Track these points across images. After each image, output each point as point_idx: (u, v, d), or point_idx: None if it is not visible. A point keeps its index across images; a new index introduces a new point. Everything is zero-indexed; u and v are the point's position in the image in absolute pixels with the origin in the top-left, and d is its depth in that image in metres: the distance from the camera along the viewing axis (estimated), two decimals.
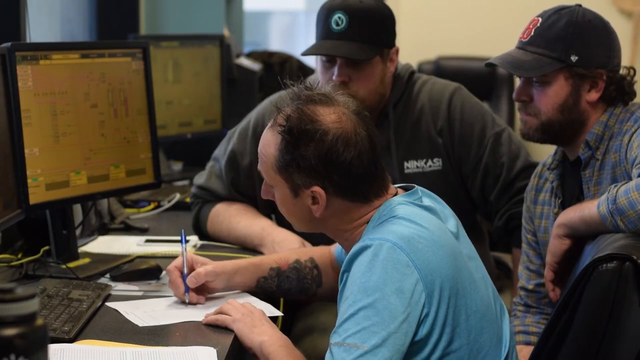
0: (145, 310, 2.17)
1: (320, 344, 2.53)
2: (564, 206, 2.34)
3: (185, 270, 2.23)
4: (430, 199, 2.01)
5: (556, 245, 2.17)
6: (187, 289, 2.22)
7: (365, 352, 1.76)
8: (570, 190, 2.35)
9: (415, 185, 2.01)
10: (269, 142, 1.97)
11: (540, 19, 2.31)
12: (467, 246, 1.99)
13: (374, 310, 1.78)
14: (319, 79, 2.66)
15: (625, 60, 2.53)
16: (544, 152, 2.60)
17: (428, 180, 2.61)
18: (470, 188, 2.74)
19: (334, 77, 2.60)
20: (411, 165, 2.71)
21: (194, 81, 3.93)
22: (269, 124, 1.99)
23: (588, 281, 1.88)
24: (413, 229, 1.87)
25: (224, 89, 4.01)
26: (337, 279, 1.97)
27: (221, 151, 2.87)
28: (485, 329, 1.90)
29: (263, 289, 2.29)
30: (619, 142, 2.22)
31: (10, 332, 1.25)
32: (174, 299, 2.26)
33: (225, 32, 4.62)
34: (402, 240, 1.83)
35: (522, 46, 2.32)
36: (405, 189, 2.01)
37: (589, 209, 2.07)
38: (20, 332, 1.26)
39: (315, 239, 2.49)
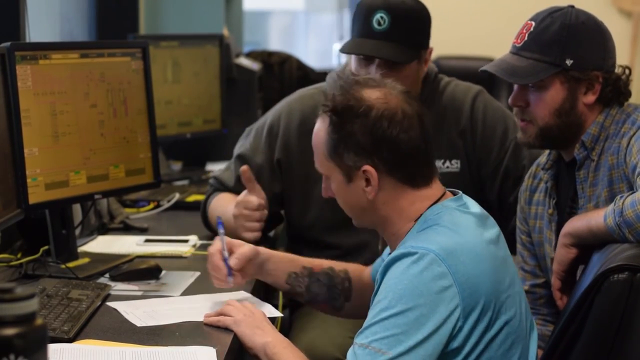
0: (145, 310, 2.17)
1: (319, 343, 2.53)
2: (558, 207, 2.33)
3: (226, 254, 2.21)
4: (476, 204, 1.99)
5: (563, 255, 2.16)
6: (230, 272, 2.20)
7: (390, 359, 1.74)
8: (565, 190, 2.34)
9: (460, 191, 1.99)
10: (319, 129, 1.98)
11: (533, 23, 2.30)
12: (503, 250, 1.96)
13: (405, 319, 1.76)
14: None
15: (624, 60, 2.53)
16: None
17: (444, 181, 2.62)
18: (488, 190, 2.74)
19: (371, 74, 2.58)
20: None
21: (194, 81, 3.93)
22: (320, 113, 1.98)
23: (598, 291, 1.86)
24: (457, 240, 1.84)
25: (223, 89, 4.01)
26: (368, 298, 1.94)
27: (237, 146, 2.88)
28: (514, 345, 1.88)
29: (292, 287, 2.27)
30: (616, 144, 2.21)
31: (9, 331, 1.25)
32: (174, 299, 2.25)
33: (225, 32, 4.62)
34: (445, 252, 1.80)
35: (516, 51, 2.31)
36: (453, 193, 1.99)
37: (595, 220, 2.06)
38: (20, 332, 1.26)
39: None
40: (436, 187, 1.96)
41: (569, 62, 2.24)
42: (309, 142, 2.76)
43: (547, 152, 2.42)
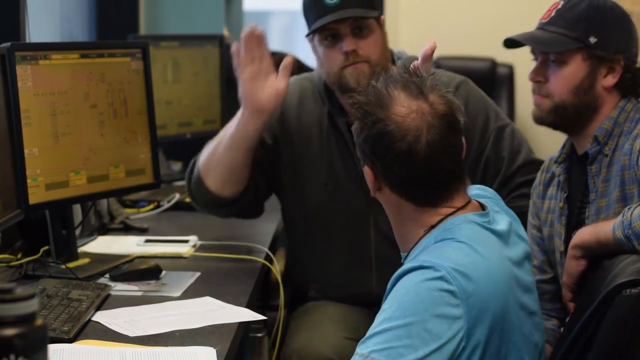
0: (125, 320, 2.13)
1: (314, 343, 2.53)
2: (569, 201, 2.33)
3: None
4: (504, 219, 1.93)
5: (573, 267, 2.15)
6: None
7: None
8: (576, 184, 2.33)
9: (489, 207, 1.93)
10: None
11: (561, 2, 2.31)
12: (527, 276, 1.92)
13: (407, 332, 1.71)
14: (323, 67, 2.65)
15: None
16: (547, 149, 2.59)
17: None
18: (471, 181, 2.74)
19: (343, 49, 2.60)
20: None
21: (194, 81, 3.93)
22: None
23: (610, 306, 1.84)
24: (471, 258, 1.79)
25: (223, 89, 4.01)
26: None
27: None
28: None
29: None
30: (629, 144, 2.20)
31: (9, 332, 1.25)
32: (150, 306, 2.22)
33: (225, 32, 4.62)
34: (457, 270, 1.75)
35: (542, 26, 2.31)
36: (482, 206, 1.93)
37: (604, 232, 2.05)
38: (20, 332, 1.26)
39: None
40: (448, 206, 1.88)
41: (592, 39, 2.24)
42: (307, 123, 2.75)
43: (558, 147, 2.42)
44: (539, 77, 2.30)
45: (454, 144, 1.87)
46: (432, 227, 1.87)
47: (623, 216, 2.00)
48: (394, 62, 2.74)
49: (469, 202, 1.91)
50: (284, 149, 2.75)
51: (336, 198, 2.69)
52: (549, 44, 2.26)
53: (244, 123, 2.61)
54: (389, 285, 1.83)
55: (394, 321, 1.72)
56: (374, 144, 1.86)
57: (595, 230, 2.09)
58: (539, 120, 2.33)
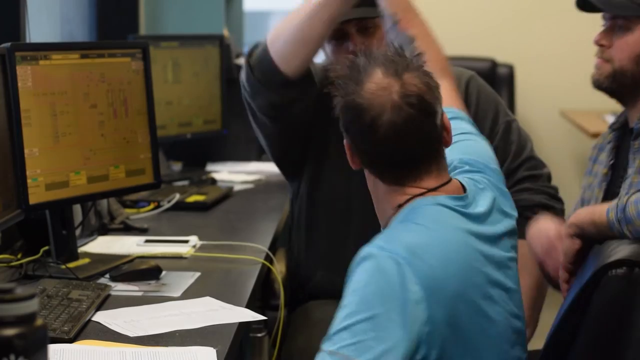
0: (125, 320, 2.13)
1: (316, 340, 2.53)
2: (614, 169, 2.34)
3: None
4: (487, 198, 1.94)
5: (568, 246, 2.17)
6: None
7: None
8: (624, 155, 2.35)
9: (470, 188, 1.93)
10: None
11: None
12: (504, 252, 1.92)
13: (372, 325, 1.71)
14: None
15: None
16: (547, 148, 2.60)
17: None
18: None
19: (350, 48, 2.60)
20: None
21: (194, 81, 3.93)
22: None
23: (597, 287, 1.86)
24: (425, 239, 1.80)
25: (223, 89, 4.01)
26: None
27: None
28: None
29: None
30: None
31: (10, 332, 1.25)
32: (151, 307, 2.22)
33: (225, 33, 4.62)
34: (411, 253, 1.76)
35: None
36: (464, 188, 1.94)
37: (599, 213, 2.06)
38: (20, 332, 1.26)
39: None
40: (418, 186, 1.90)
41: None
42: (325, 109, 2.74)
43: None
44: (603, 40, 2.33)
45: (420, 125, 1.87)
46: (400, 206, 1.89)
47: (619, 200, 2.01)
48: None
49: (446, 183, 1.91)
50: (319, 118, 2.72)
51: (355, 181, 2.68)
52: (618, 7, 2.28)
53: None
54: (348, 272, 1.82)
55: (357, 315, 1.73)
56: (345, 116, 1.90)
57: (592, 211, 2.11)
58: (597, 84, 2.35)
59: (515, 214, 2.02)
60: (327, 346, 1.74)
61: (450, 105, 2.20)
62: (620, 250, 1.90)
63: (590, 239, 2.10)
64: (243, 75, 2.74)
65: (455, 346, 1.79)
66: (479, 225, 1.90)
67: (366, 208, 2.67)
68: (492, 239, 1.91)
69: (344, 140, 1.94)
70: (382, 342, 1.71)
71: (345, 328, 1.73)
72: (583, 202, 2.44)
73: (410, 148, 1.88)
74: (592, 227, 2.08)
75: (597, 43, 2.34)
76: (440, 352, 1.77)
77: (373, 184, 1.95)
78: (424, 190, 1.89)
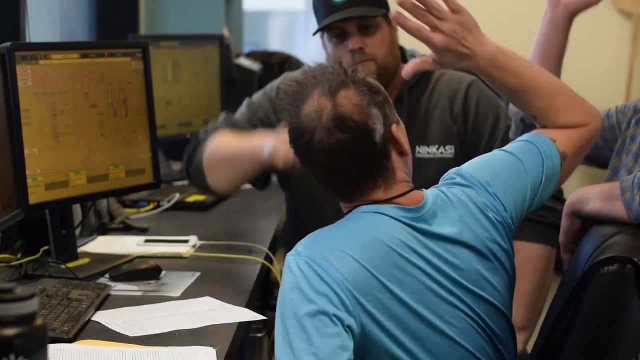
0: (125, 320, 2.13)
1: None
2: None
3: None
4: (451, 224, 1.89)
5: (568, 226, 2.18)
6: None
7: None
8: None
9: (429, 203, 1.89)
10: None
11: None
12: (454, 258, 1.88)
13: (301, 329, 1.74)
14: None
15: (624, 60, 2.54)
16: None
17: (438, 167, 2.64)
18: None
19: (350, 47, 2.62)
20: (422, 151, 2.74)
21: (194, 81, 3.93)
22: None
23: (589, 284, 1.87)
24: (335, 240, 1.83)
25: (223, 89, 4.01)
26: None
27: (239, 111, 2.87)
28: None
29: None
30: None
31: (10, 332, 1.25)
32: (151, 307, 2.22)
33: (225, 33, 4.62)
34: (318, 255, 1.80)
35: None
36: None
37: (606, 185, 2.06)
38: (20, 332, 1.26)
39: None
40: (367, 198, 1.89)
41: None
42: None
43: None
44: None
45: (353, 147, 1.85)
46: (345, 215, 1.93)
47: (638, 172, 2.01)
48: (405, 60, 2.76)
49: (400, 195, 1.89)
50: None
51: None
52: None
53: (259, 162, 2.52)
54: None
55: (288, 322, 1.76)
56: (289, 137, 1.93)
57: (600, 184, 2.12)
58: None
59: (494, 247, 1.93)
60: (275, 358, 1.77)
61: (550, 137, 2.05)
62: (613, 245, 1.90)
63: (589, 218, 2.10)
64: (184, 167, 2.81)
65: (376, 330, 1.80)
66: (418, 223, 1.87)
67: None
68: (437, 240, 1.88)
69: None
70: (315, 343, 1.72)
71: (282, 339, 1.76)
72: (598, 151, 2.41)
73: (347, 169, 1.88)
74: (596, 200, 2.06)
75: None
76: (363, 340, 1.78)
77: None
78: (371, 202, 1.89)
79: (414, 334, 1.82)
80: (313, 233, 1.89)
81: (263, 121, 2.77)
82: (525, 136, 2.06)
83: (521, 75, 2.03)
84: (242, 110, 2.83)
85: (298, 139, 1.90)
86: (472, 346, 1.87)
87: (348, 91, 1.86)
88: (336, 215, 1.95)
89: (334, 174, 1.89)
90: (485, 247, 1.91)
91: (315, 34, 2.69)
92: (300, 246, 1.85)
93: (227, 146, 2.65)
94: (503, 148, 2.05)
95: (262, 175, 2.66)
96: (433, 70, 2.80)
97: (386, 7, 2.69)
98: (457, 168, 2.02)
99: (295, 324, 1.75)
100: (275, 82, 2.88)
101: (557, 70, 2.39)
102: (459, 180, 1.98)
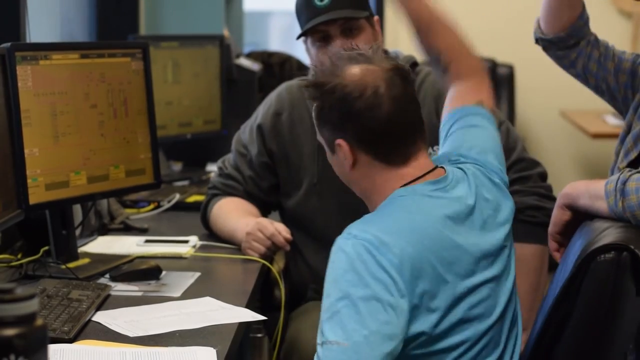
0: (125, 320, 2.13)
1: (316, 340, 2.53)
2: None
3: None
4: (467, 187, 1.98)
5: (557, 216, 2.19)
6: None
7: (346, 348, 1.74)
8: None
9: (448, 171, 1.99)
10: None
11: None
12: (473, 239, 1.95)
13: (355, 309, 1.77)
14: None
15: None
16: (546, 148, 2.59)
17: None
18: None
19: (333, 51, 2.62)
20: None
21: (194, 82, 3.93)
22: None
23: (586, 273, 1.88)
24: (399, 223, 1.86)
25: (223, 90, 4.01)
26: None
27: (234, 142, 2.92)
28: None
29: None
30: None
31: (10, 332, 1.25)
32: (151, 307, 2.23)
33: (225, 33, 4.62)
34: (381, 237, 1.82)
35: None
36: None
37: (597, 183, 2.07)
38: (20, 332, 1.26)
39: None
40: (416, 167, 1.96)
41: None
42: (299, 131, 2.78)
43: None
44: None
45: (412, 93, 1.97)
46: (385, 196, 1.95)
47: (621, 173, 2.02)
48: (412, 70, 2.75)
49: (430, 171, 1.97)
50: (280, 160, 2.81)
51: (327, 198, 2.71)
52: None
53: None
54: (329, 260, 1.88)
55: (339, 303, 1.78)
56: (340, 108, 1.93)
57: (590, 181, 2.12)
58: None
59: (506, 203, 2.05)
60: (318, 338, 1.79)
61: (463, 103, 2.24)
62: (608, 235, 1.91)
63: (580, 212, 2.11)
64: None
65: (427, 314, 1.84)
66: (457, 224, 1.94)
67: (345, 219, 2.69)
68: (460, 247, 1.92)
69: (336, 143, 1.95)
70: (368, 326, 1.75)
71: (331, 317, 1.78)
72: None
73: (411, 118, 1.95)
74: (586, 196, 2.09)
75: None
76: (435, 324, 1.84)
77: (371, 178, 1.96)
78: (410, 179, 1.95)
79: (453, 313, 1.87)
80: (362, 218, 1.91)
81: (259, 155, 2.82)
82: (464, 110, 2.19)
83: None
84: (235, 159, 2.87)
85: (358, 96, 1.91)
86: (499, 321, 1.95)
87: (381, 58, 1.97)
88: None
89: (397, 127, 1.93)
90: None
91: (298, 37, 2.68)
92: (354, 230, 1.86)
93: (220, 227, 2.81)
94: (464, 124, 2.16)
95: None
96: (419, 69, 2.80)
97: (369, 10, 2.69)
98: (448, 152, 2.11)
99: (349, 305, 1.77)
100: (259, 109, 2.90)
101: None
102: (462, 159, 2.07)
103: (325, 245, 2.71)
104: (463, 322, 1.88)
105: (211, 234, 2.84)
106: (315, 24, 2.61)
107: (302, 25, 2.68)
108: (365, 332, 1.75)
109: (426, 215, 1.90)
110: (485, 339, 1.92)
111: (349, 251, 1.82)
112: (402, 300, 1.80)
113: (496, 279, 1.95)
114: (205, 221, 2.89)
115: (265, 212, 2.87)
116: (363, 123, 1.92)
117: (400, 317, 1.79)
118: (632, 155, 2.38)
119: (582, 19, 2.51)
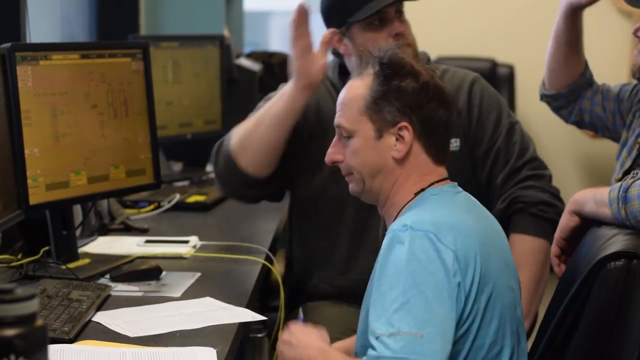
0: (125, 320, 2.13)
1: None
2: None
3: None
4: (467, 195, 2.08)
5: (564, 221, 2.20)
6: None
7: (421, 339, 1.77)
8: None
9: (455, 183, 2.07)
10: (358, 86, 2.03)
11: None
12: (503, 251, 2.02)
13: (425, 299, 1.80)
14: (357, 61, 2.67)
15: (624, 61, 2.56)
16: (546, 148, 2.60)
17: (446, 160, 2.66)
18: (479, 171, 2.78)
19: (393, 32, 2.64)
20: None
21: (194, 82, 3.93)
22: (356, 75, 2.06)
23: (596, 280, 1.89)
24: (445, 217, 1.91)
25: (224, 90, 4.01)
26: None
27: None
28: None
29: None
30: None
31: (10, 332, 1.25)
32: (151, 307, 2.23)
33: (226, 33, 4.62)
34: (437, 228, 1.86)
35: None
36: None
37: (603, 190, 2.09)
38: (20, 333, 1.26)
39: None
40: (443, 169, 2.05)
41: None
42: (324, 116, 2.76)
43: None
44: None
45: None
46: (417, 193, 2.00)
47: (624, 181, 2.04)
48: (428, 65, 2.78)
49: (446, 177, 2.05)
50: (304, 136, 2.76)
51: (343, 186, 2.69)
52: None
53: (292, 99, 2.64)
54: (380, 257, 1.90)
55: (408, 293, 1.81)
56: (422, 92, 1.99)
57: (597, 189, 2.14)
58: (636, 75, 2.48)
59: None
60: (384, 330, 1.80)
61: None
62: (616, 242, 1.92)
63: (588, 218, 2.12)
64: (215, 174, 2.81)
65: (483, 311, 1.89)
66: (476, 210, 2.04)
67: (359, 208, 2.68)
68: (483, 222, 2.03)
69: (400, 124, 1.98)
70: (437, 315, 1.80)
71: (400, 308, 1.80)
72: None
73: (451, 114, 2.04)
74: (592, 203, 2.10)
75: (635, 34, 2.43)
76: (474, 317, 1.87)
77: (414, 164, 2.01)
78: (439, 179, 2.02)
79: (488, 305, 1.91)
80: (413, 211, 1.95)
81: None
82: None
83: None
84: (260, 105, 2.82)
85: (442, 89, 2.02)
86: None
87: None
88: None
89: (450, 128, 2.04)
90: None
91: (366, 18, 2.64)
92: (409, 221, 1.89)
93: (251, 118, 2.71)
94: None
95: (278, 188, 2.79)
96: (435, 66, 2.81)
97: None
98: None
99: (417, 295, 1.81)
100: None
101: (569, 55, 2.70)
102: None
103: (334, 233, 2.73)
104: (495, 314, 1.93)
105: (232, 165, 2.71)
106: (384, 5, 2.62)
107: (351, 14, 2.67)
108: (436, 321, 1.79)
109: (463, 211, 1.97)
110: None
111: (409, 242, 1.85)
112: (459, 288, 1.84)
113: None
114: (223, 151, 2.74)
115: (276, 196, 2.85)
116: (435, 115, 1.99)
117: (459, 304, 1.84)
118: (627, 165, 2.41)
119: (585, 77, 2.64)
